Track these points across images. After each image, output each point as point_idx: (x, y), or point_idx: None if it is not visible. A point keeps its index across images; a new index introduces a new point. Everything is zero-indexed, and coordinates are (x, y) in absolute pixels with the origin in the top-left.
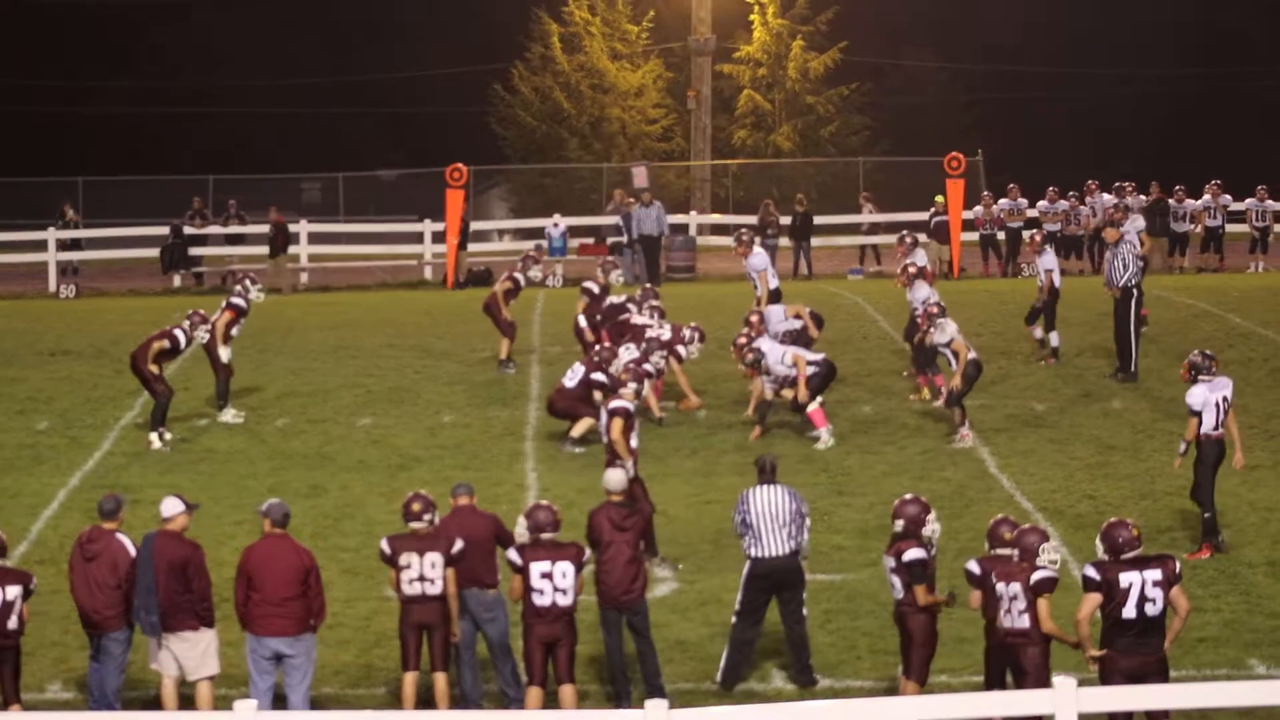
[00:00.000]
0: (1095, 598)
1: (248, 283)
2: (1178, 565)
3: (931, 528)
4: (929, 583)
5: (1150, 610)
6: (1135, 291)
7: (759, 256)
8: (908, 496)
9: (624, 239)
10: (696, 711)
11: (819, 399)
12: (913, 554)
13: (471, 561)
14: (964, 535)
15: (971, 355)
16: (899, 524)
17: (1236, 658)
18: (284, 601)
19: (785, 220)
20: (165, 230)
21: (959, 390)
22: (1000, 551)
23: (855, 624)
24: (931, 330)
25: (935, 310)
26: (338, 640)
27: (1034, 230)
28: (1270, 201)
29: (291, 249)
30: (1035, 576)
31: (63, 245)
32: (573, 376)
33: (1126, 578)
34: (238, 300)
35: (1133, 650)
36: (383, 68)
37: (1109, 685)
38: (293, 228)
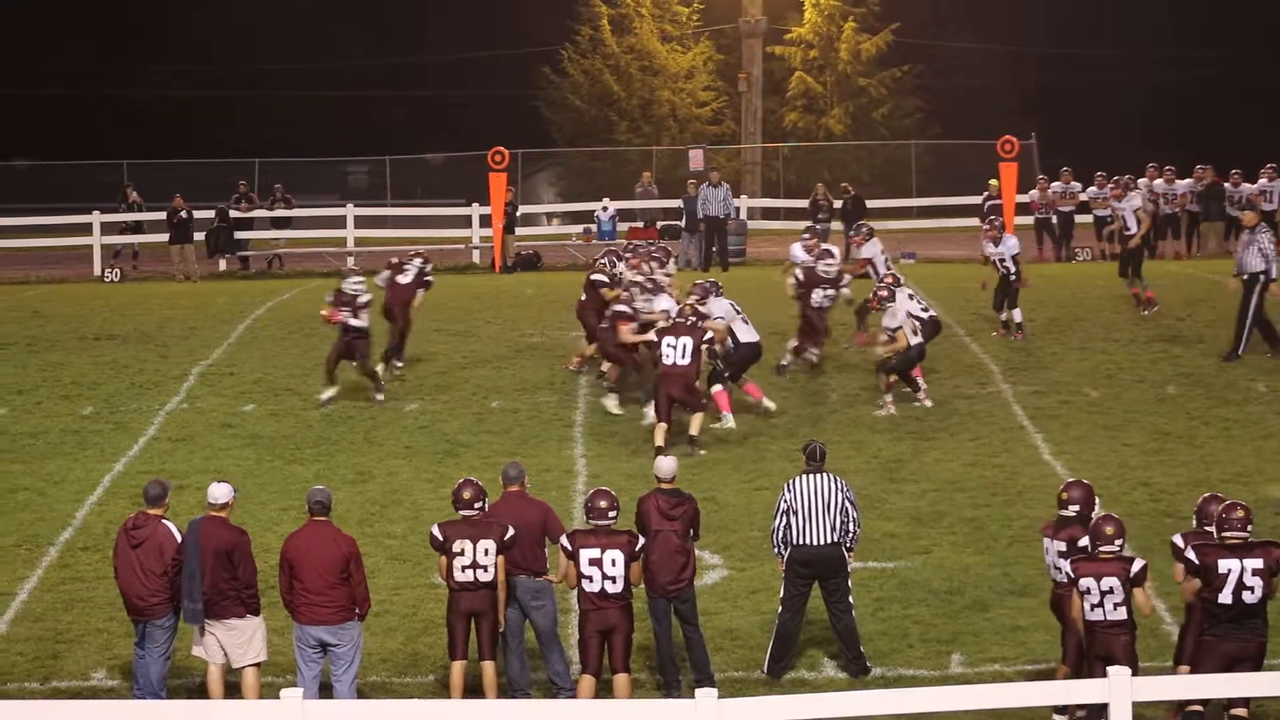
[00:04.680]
0: (1194, 583)
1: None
2: (1273, 555)
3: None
4: None
5: (1248, 598)
6: (1263, 279)
7: (871, 245)
8: (1071, 479)
9: (682, 222)
10: (746, 701)
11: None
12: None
13: (521, 548)
14: (1018, 523)
15: (916, 340)
16: (1072, 509)
17: None
18: (324, 590)
19: (837, 204)
20: (211, 214)
21: (890, 363)
22: (1208, 528)
23: (907, 612)
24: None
25: (885, 294)
26: (385, 628)
27: (993, 217)
28: None
29: (288, 233)
30: (1134, 569)
31: (126, 228)
32: (683, 353)
33: (1225, 564)
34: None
35: (1230, 635)
36: (431, 50)
37: (1203, 669)
38: (340, 211)
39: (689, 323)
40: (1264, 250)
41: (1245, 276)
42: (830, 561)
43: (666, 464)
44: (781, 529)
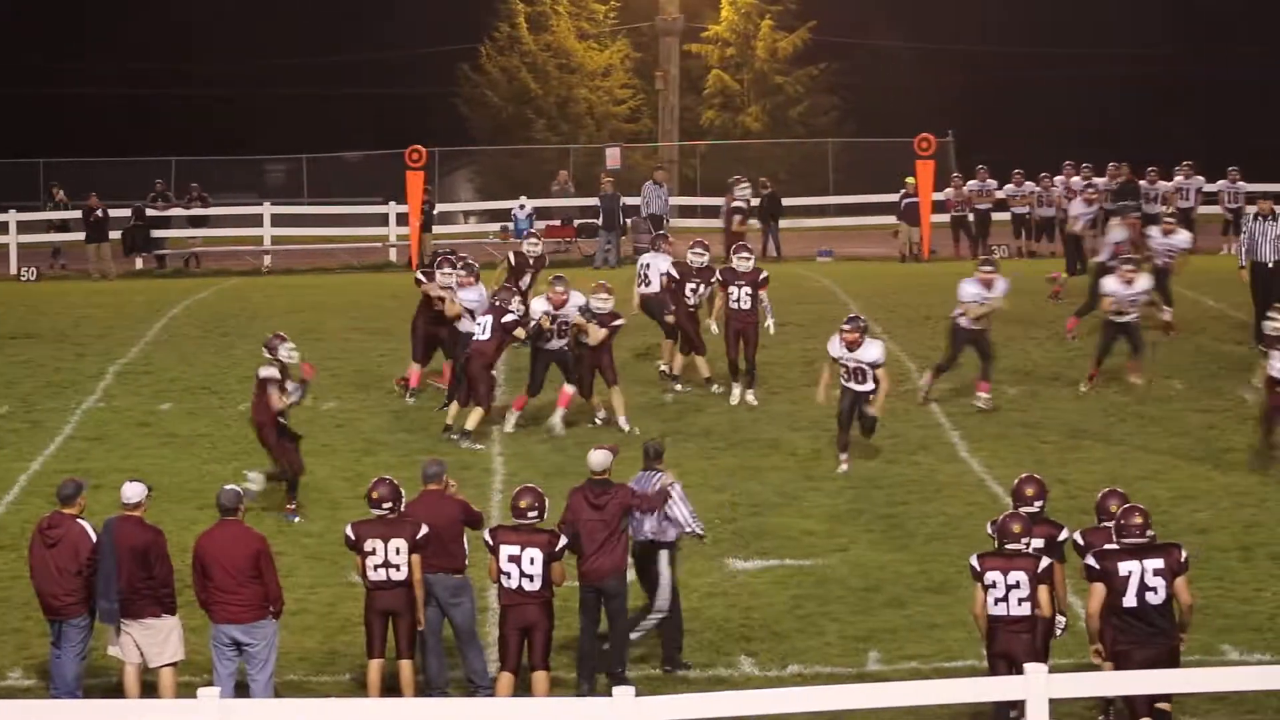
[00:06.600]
0: (1100, 588)
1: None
2: (1183, 554)
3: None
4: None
5: (1152, 599)
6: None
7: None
8: (1107, 488)
9: (599, 220)
10: (663, 699)
11: None
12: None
13: (438, 546)
14: (935, 520)
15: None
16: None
17: (1208, 643)
18: (235, 588)
19: (755, 202)
20: (127, 212)
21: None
22: (1107, 524)
23: (824, 609)
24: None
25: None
26: (302, 626)
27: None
28: (1243, 183)
29: (255, 231)
30: (1041, 565)
31: (52, 226)
32: (484, 330)
33: (1125, 566)
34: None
35: (1144, 642)
36: (350, 49)
37: None
38: (256, 210)
39: (494, 303)
40: None
41: (1271, 264)
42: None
43: (597, 456)
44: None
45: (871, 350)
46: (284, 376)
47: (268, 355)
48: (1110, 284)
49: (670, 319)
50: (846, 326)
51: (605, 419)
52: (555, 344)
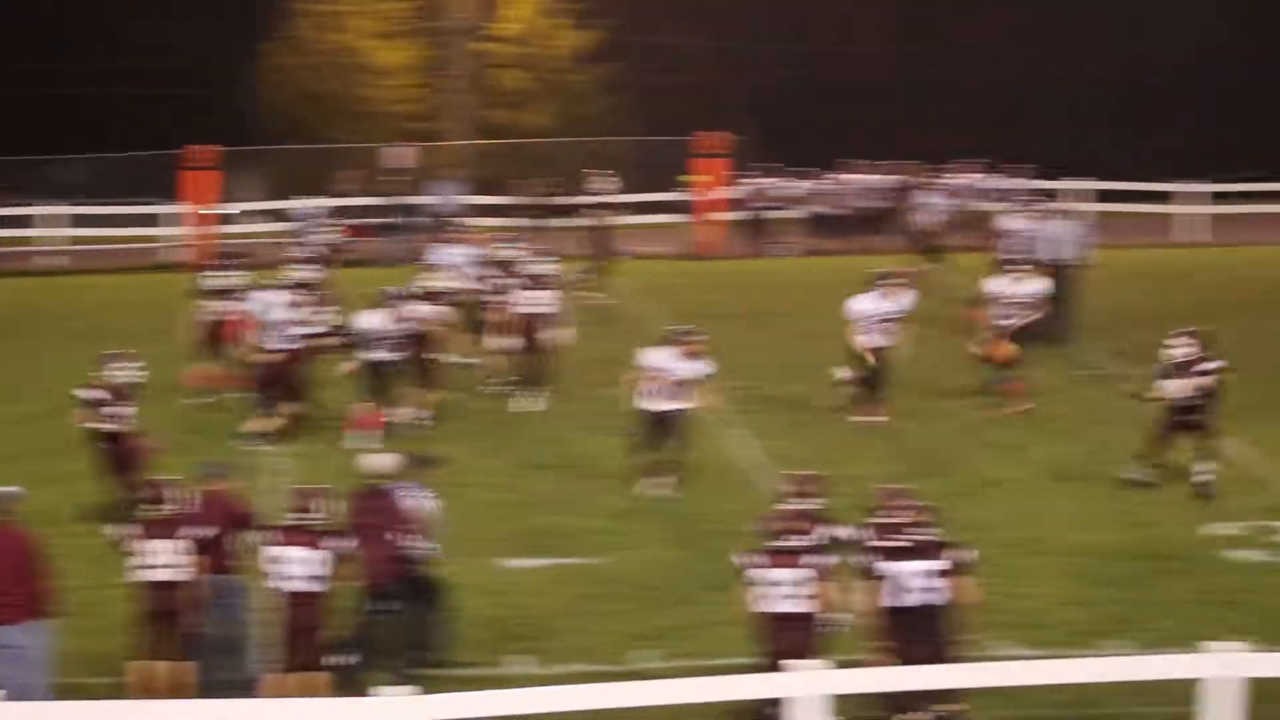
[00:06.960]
0: (875, 586)
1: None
2: (962, 553)
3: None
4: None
5: (929, 598)
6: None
7: None
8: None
9: (393, 219)
10: (442, 697)
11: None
12: None
13: (216, 546)
14: (719, 517)
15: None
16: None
17: (986, 639)
18: (7, 589)
19: (544, 200)
20: None
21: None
22: (888, 521)
23: (606, 608)
24: None
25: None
26: (79, 628)
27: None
28: (1028, 180)
29: (41, 231)
30: (827, 563)
31: None
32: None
33: (902, 565)
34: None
35: (914, 642)
36: (141, 46)
37: None
38: (40, 210)
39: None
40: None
41: (1073, 263)
42: None
43: (375, 461)
44: None
45: (704, 363)
46: (116, 395)
47: (105, 373)
48: (998, 284)
49: (478, 316)
50: (689, 338)
51: (406, 417)
52: (385, 355)
